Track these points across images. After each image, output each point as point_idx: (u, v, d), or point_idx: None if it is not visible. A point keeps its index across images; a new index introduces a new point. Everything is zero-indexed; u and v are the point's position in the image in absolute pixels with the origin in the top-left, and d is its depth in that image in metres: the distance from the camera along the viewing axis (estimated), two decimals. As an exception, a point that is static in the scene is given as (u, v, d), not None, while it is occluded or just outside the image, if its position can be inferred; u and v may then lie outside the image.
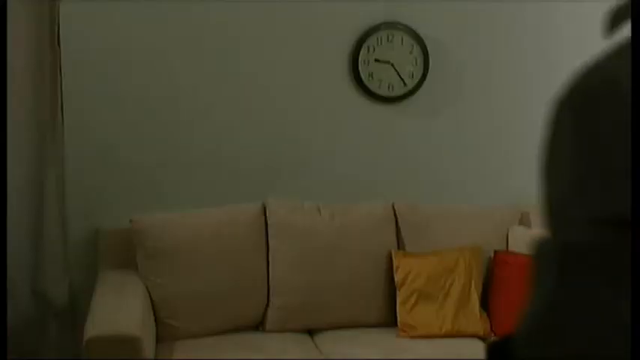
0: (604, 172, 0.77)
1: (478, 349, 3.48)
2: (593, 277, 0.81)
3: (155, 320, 3.44)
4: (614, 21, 0.90)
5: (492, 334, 3.60)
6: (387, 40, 3.94)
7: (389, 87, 3.97)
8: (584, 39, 4.10)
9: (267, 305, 3.58)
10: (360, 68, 3.89)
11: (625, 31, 0.86)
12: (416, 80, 3.98)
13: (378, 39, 3.92)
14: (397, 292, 3.65)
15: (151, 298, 3.47)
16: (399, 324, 3.60)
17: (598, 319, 0.80)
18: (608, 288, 0.80)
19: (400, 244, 3.79)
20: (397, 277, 3.66)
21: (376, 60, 3.94)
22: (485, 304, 3.67)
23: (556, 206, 0.86)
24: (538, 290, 0.90)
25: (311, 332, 3.61)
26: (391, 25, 3.93)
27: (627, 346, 0.79)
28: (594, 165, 0.79)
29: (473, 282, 3.65)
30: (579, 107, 0.83)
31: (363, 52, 3.90)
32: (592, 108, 0.81)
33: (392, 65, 3.96)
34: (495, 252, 3.78)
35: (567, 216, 0.83)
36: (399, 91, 3.99)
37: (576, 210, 0.81)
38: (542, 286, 0.89)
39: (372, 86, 3.94)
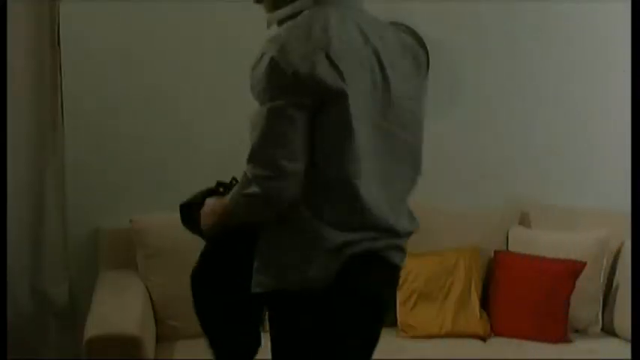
0: (279, 83, 1.94)
1: (478, 349, 3.49)
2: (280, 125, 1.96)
3: (155, 320, 3.44)
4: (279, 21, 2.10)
5: (492, 334, 3.60)
6: (387, 40, 3.93)
7: (389, 87, 3.97)
8: (584, 38, 4.11)
9: (267, 305, 3.58)
10: (360, 68, 3.88)
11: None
12: (416, 80, 3.98)
13: (378, 39, 3.92)
14: (397, 292, 3.65)
15: (151, 298, 3.47)
16: (399, 324, 3.60)
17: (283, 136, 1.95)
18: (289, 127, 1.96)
19: (400, 244, 3.79)
20: (397, 277, 3.66)
21: (376, 60, 3.93)
22: (485, 304, 3.67)
23: (257, 95, 2.01)
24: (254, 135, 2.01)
25: (311, 332, 3.60)
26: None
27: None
28: (273, 79, 1.95)
29: (473, 282, 3.65)
30: (275, 52, 1.95)
31: (363, 52, 3.89)
32: (282, 54, 1.95)
33: (392, 65, 3.95)
34: (495, 252, 3.78)
35: (261, 99, 1.99)
36: (399, 91, 3.98)
37: (268, 98, 1.96)
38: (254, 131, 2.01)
39: (372, 86, 3.94)
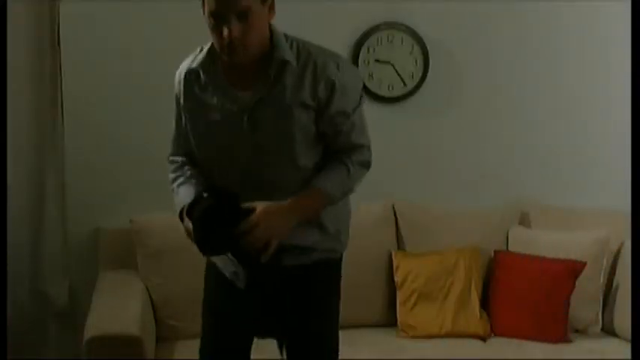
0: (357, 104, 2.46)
1: (478, 349, 3.49)
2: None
3: (155, 320, 3.44)
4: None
5: (492, 334, 3.60)
6: (387, 40, 3.93)
7: (389, 87, 3.97)
8: (584, 38, 4.10)
9: (267, 305, 3.58)
10: (360, 68, 3.88)
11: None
12: (416, 80, 3.98)
13: (378, 39, 3.92)
14: (397, 292, 3.65)
15: (151, 298, 3.47)
16: (399, 324, 3.60)
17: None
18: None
19: (400, 244, 3.78)
20: (397, 277, 3.66)
21: (376, 60, 3.94)
22: (485, 304, 3.67)
23: (351, 102, 2.41)
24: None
25: (311, 332, 3.60)
26: (391, 25, 3.93)
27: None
28: (361, 85, 2.52)
29: (473, 282, 3.65)
30: (344, 68, 2.45)
31: (363, 52, 3.90)
32: (346, 70, 2.43)
33: (392, 65, 3.96)
34: (495, 252, 3.78)
35: (355, 104, 2.43)
36: (399, 91, 3.98)
37: (360, 102, 2.47)
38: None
39: (372, 86, 3.94)
